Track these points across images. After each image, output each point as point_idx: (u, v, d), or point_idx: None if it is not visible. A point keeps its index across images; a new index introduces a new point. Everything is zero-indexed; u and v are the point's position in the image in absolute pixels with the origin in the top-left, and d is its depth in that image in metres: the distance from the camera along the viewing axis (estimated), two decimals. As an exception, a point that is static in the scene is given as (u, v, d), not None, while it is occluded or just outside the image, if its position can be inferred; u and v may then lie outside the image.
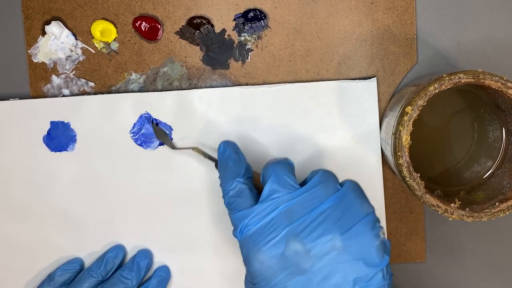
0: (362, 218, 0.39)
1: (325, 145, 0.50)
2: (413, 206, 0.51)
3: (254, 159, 0.49)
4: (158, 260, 0.51)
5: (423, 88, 0.40)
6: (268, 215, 0.40)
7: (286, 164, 0.42)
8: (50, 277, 0.49)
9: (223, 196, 0.42)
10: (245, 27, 0.50)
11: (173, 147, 0.49)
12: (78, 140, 0.50)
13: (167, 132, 0.50)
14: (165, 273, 0.50)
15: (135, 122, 0.50)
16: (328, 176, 0.41)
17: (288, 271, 0.38)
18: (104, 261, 0.49)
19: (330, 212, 0.39)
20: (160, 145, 0.50)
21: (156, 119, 0.50)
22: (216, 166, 0.46)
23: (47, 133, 0.50)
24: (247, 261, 0.40)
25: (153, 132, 0.50)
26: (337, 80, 0.50)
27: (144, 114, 0.50)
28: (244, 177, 0.43)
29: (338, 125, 0.50)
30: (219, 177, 0.44)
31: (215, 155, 0.46)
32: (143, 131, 0.50)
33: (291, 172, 0.42)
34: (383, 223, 0.50)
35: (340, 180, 0.42)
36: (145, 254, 0.50)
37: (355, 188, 0.41)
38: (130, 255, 0.50)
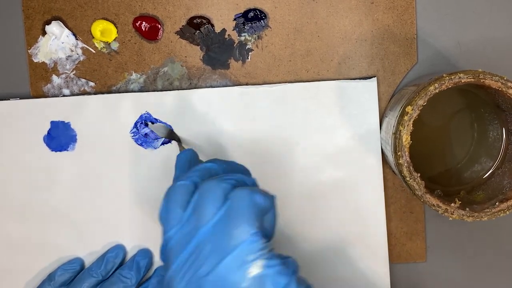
0: (227, 254, 0.34)
1: (325, 145, 0.50)
2: (413, 206, 0.51)
3: (254, 159, 0.49)
4: (158, 260, 0.51)
5: (423, 88, 0.40)
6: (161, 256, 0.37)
7: (175, 190, 0.37)
8: (50, 277, 0.49)
9: None
10: (245, 27, 0.50)
11: (178, 139, 0.49)
12: (78, 140, 0.50)
13: (168, 126, 0.49)
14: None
15: (135, 121, 0.50)
16: (206, 197, 0.36)
17: None
18: (104, 261, 0.49)
19: (198, 252, 0.35)
20: (162, 144, 0.50)
21: (156, 119, 0.50)
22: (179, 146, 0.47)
23: (48, 133, 0.50)
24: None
25: (155, 133, 0.49)
26: (337, 80, 0.50)
27: (145, 114, 0.50)
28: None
29: (338, 125, 0.50)
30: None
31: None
32: (142, 130, 0.50)
33: (178, 199, 0.37)
34: (383, 223, 0.50)
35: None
36: (145, 254, 0.50)
37: (237, 207, 0.35)
38: (130, 254, 0.50)
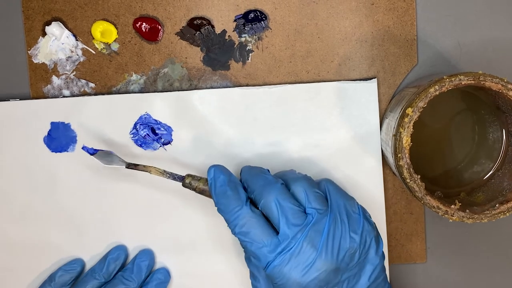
0: (355, 212, 0.43)
1: (326, 146, 0.50)
2: (414, 207, 0.51)
3: (254, 159, 0.49)
4: (159, 260, 0.51)
5: (424, 89, 0.40)
6: (295, 245, 0.41)
7: (282, 189, 0.43)
8: (51, 278, 0.49)
9: (232, 227, 0.42)
10: (246, 28, 0.50)
11: (126, 165, 0.47)
12: (78, 141, 0.50)
13: (110, 152, 0.47)
14: (163, 275, 0.50)
15: (135, 123, 0.50)
16: (319, 194, 0.43)
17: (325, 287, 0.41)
18: (106, 263, 0.49)
19: (333, 235, 0.41)
20: (161, 145, 0.50)
21: (156, 120, 0.50)
22: (184, 185, 0.45)
23: (48, 133, 0.50)
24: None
25: (152, 136, 0.50)
26: (337, 81, 0.50)
27: (144, 115, 0.50)
28: (247, 202, 0.43)
29: (338, 126, 0.50)
30: (217, 205, 0.43)
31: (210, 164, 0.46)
32: (142, 131, 0.50)
33: (290, 195, 0.42)
34: (383, 224, 0.50)
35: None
36: (146, 255, 0.50)
37: (335, 186, 0.44)
38: (131, 255, 0.50)
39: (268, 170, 0.45)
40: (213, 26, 0.50)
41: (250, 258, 0.44)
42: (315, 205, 0.42)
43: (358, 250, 0.41)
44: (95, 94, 0.50)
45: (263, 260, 0.41)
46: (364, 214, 0.43)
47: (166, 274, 0.50)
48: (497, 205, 0.41)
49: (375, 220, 0.49)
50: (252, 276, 0.44)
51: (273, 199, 0.42)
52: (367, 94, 0.49)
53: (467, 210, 0.41)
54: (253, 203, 0.43)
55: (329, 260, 0.40)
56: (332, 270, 0.41)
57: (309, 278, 0.40)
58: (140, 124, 0.50)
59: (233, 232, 0.42)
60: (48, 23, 0.49)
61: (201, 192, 0.45)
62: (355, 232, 0.42)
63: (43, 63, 0.50)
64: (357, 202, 0.44)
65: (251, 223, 0.42)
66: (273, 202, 0.42)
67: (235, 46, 0.50)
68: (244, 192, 0.43)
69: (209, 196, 0.44)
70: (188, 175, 0.45)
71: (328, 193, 0.43)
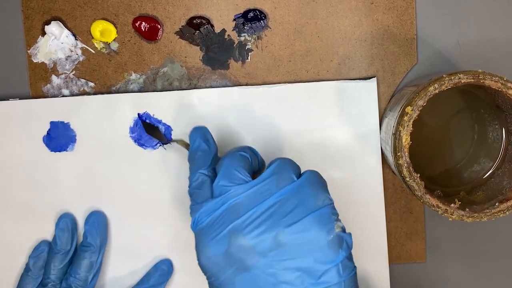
0: (312, 211, 0.37)
1: (325, 145, 0.50)
2: (413, 206, 0.51)
3: (254, 159, 0.49)
4: (162, 255, 0.51)
5: (423, 88, 0.40)
6: (217, 210, 0.39)
7: (237, 157, 0.41)
8: (26, 268, 0.49)
9: (188, 187, 0.42)
10: (245, 27, 0.50)
11: (165, 141, 0.49)
12: (78, 140, 0.50)
13: (159, 126, 0.49)
14: (166, 266, 0.50)
15: (134, 122, 0.50)
16: (284, 166, 0.40)
17: (234, 268, 0.37)
18: (56, 237, 0.49)
19: (278, 206, 0.38)
20: (160, 145, 0.50)
21: (156, 119, 0.50)
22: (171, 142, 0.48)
23: (47, 133, 0.50)
24: (197, 255, 0.40)
25: (149, 136, 0.50)
26: (337, 80, 0.50)
27: (144, 114, 0.50)
28: (209, 168, 0.42)
29: (338, 125, 0.50)
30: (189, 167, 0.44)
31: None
32: (141, 131, 0.50)
33: (242, 165, 0.40)
34: (383, 223, 0.50)
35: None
36: (93, 216, 0.49)
37: (313, 180, 0.39)
38: (131, 255, 0.50)
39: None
40: (212, 25, 0.50)
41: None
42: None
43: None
44: (95, 94, 0.50)
45: (192, 219, 0.40)
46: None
47: (169, 265, 0.50)
48: (497, 204, 0.41)
49: (375, 219, 0.49)
50: None
51: (222, 162, 0.41)
52: (366, 93, 0.49)
53: (467, 209, 0.41)
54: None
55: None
56: (245, 248, 0.37)
57: (216, 249, 0.38)
58: (140, 124, 0.50)
59: (188, 193, 0.42)
60: (48, 23, 0.49)
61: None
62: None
63: (43, 63, 0.50)
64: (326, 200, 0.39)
65: (199, 185, 0.41)
66: (221, 163, 0.41)
67: (234, 45, 0.50)
68: (212, 158, 0.43)
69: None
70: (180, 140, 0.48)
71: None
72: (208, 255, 0.38)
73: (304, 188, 0.38)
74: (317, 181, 0.39)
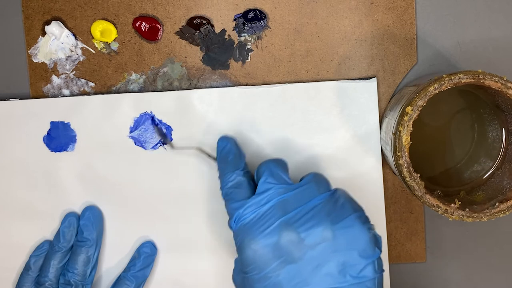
0: (354, 212, 0.40)
1: (325, 145, 0.50)
2: (413, 207, 0.51)
3: (253, 159, 0.49)
4: (159, 259, 0.51)
5: (423, 88, 0.40)
6: (263, 206, 0.41)
7: (280, 162, 0.44)
8: (27, 267, 0.49)
9: (221, 188, 0.44)
10: (245, 27, 0.50)
11: (172, 146, 0.50)
12: (78, 140, 0.50)
13: (165, 131, 0.50)
14: (149, 249, 0.50)
15: (134, 122, 0.50)
16: (321, 177, 0.43)
17: (281, 260, 0.39)
18: (61, 234, 0.49)
19: (322, 206, 0.41)
20: (160, 145, 0.50)
21: (156, 119, 0.50)
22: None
23: (47, 133, 0.50)
24: (240, 250, 0.41)
25: (154, 131, 0.50)
26: (337, 80, 0.50)
27: (144, 114, 0.50)
28: (244, 170, 0.44)
29: (338, 125, 0.50)
30: (218, 170, 0.45)
31: (215, 155, 0.47)
32: (142, 130, 0.50)
33: (285, 170, 0.44)
34: (383, 223, 0.50)
35: (334, 186, 0.44)
36: (87, 211, 0.50)
37: (345, 192, 0.43)
38: (129, 254, 0.50)
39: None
40: (212, 26, 0.50)
41: (228, 221, 0.44)
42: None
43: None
44: (95, 94, 0.50)
45: (231, 216, 0.42)
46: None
47: (152, 247, 0.50)
48: (497, 204, 0.41)
49: (375, 219, 0.49)
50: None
51: (266, 165, 0.43)
52: (366, 93, 0.49)
53: (467, 209, 0.41)
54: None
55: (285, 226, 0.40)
56: (294, 241, 0.40)
57: (265, 241, 0.40)
58: (140, 124, 0.50)
59: (222, 195, 0.44)
60: (48, 23, 0.49)
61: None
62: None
63: (43, 63, 0.50)
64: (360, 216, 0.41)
65: (237, 184, 0.43)
66: (265, 166, 0.43)
67: (234, 45, 0.50)
68: (244, 161, 0.45)
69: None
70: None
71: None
72: (255, 247, 0.40)
73: (340, 196, 0.42)
74: (348, 194, 0.43)
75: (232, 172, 0.44)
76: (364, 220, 0.41)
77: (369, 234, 0.40)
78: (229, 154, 0.46)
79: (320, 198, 0.41)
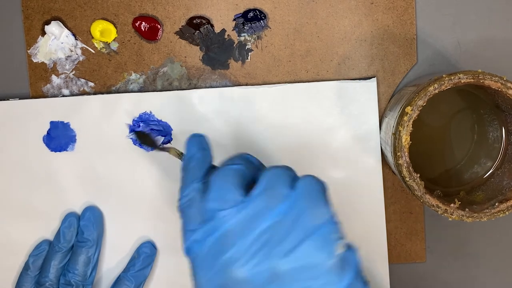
0: (310, 234, 0.34)
1: (325, 145, 0.50)
2: (413, 207, 0.51)
3: (254, 159, 0.49)
4: (159, 259, 0.51)
5: (423, 88, 0.40)
6: (209, 237, 0.35)
7: (228, 172, 0.37)
8: (26, 267, 0.49)
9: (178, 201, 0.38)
10: (245, 27, 0.50)
11: (158, 146, 0.48)
12: (78, 140, 0.50)
13: (149, 133, 0.49)
14: (149, 249, 0.50)
15: (134, 121, 0.50)
16: (275, 179, 0.36)
17: None
18: (61, 234, 0.49)
19: (272, 232, 0.34)
20: (165, 143, 0.50)
21: (155, 119, 0.50)
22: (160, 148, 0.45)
23: (47, 133, 0.50)
24: (194, 281, 0.36)
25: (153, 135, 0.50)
26: (337, 80, 0.49)
27: (144, 114, 0.50)
28: (202, 180, 0.38)
29: (337, 125, 0.50)
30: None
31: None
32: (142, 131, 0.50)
33: (235, 182, 0.36)
34: (382, 223, 0.50)
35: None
36: (88, 211, 0.49)
37: (309, 190, 0.35)
38: (130, 255, 0.50)
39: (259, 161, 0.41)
40: (212, 25, 0.50)
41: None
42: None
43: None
44: (95, 93, 0.50)
45: (183, 240, 0.37)
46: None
47: (151, 247, 0.50)
48: (496, 204, 0.41)
49: (375, 219, 0.49)
50: None
51: (212, 180, 0.37)
52: (366, 93, 0.49)
53: (467, 209, 0.41)
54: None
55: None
56: (241, 282, 0.34)
57: (211, 283, 0.35)
58: (140, 123, 0.50)
59: (178, 209, 0.38)
60: (48, 23, 0.49)
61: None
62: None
63: (43, 63, 0.50)
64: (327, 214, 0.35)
65: (190, 201, 0.37)
66: (213, 181, 0.37)
67: (234, 45, 0.50)
68: (205, 169, 0.39)
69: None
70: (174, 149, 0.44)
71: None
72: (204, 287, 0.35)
73: (299, 204, 0.34)
74: (314, 191, 0.35)
75: (187, 185, 0.38)
76: (326, 242, 0.34)
77: (331, 261, 0.33)
78: (191, 161, 0.39)
79: (271, 218, 0.34)
